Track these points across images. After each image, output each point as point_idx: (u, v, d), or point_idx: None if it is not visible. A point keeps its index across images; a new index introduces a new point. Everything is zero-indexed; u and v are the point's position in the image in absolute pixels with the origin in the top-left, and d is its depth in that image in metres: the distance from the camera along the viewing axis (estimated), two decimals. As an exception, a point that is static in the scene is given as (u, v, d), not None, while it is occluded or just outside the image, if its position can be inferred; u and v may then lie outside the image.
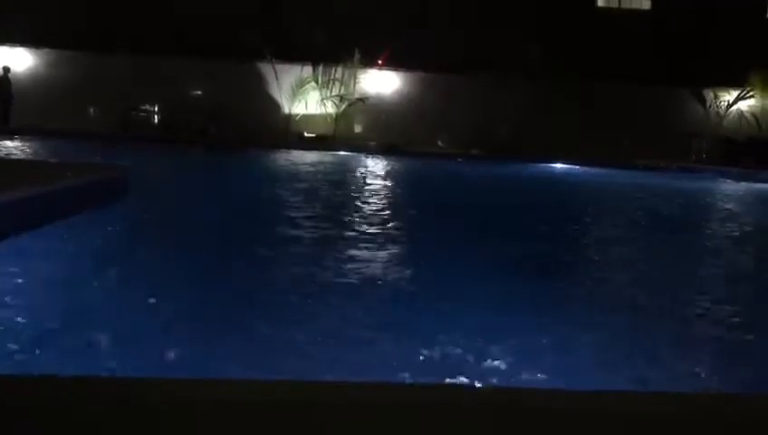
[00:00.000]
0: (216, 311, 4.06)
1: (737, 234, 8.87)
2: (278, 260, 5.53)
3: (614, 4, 20.02)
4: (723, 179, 15.75)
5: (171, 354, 3.27)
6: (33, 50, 19.04)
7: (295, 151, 17.13)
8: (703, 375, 3.60)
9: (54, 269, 4.74)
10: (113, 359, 3.23)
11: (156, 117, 18.86)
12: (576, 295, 4.99)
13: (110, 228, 6.31)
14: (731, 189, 14.67)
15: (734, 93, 19.23)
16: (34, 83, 18.76)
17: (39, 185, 5.82)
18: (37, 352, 3.27)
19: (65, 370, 2.92)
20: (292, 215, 7.66)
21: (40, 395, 1.84)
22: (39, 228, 5.30)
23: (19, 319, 3.65)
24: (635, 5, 19.94)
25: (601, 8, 20.00)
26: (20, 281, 4.37)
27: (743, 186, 14.99)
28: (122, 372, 2.99)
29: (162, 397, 1.87)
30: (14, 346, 3.28)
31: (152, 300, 4.05)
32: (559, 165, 17.08)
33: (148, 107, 18.83)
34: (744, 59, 18.38)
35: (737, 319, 4.70)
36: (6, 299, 3.97)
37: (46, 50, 19.00)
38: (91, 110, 18.47)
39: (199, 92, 18.93)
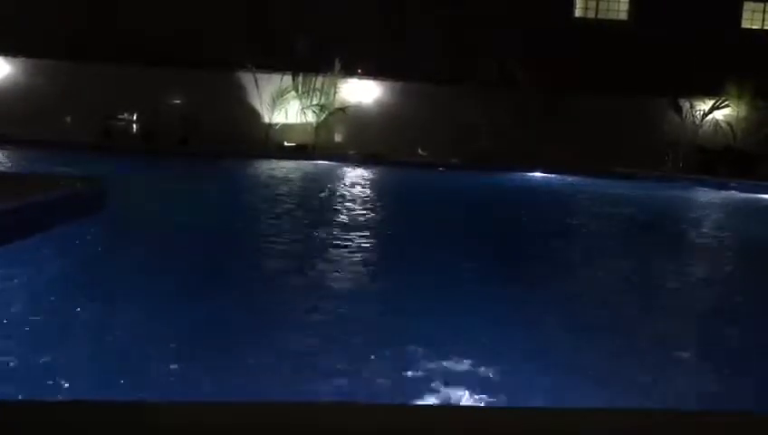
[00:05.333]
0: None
1: (709, 240, 9.00)
2: (256, 283, 5.30)
3: (591, 15, 20.23)
4: (699, 188, 15.95)
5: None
6: (11, 59, 18.88)
7: (275, 161, 17.12)
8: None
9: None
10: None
11: (135, 126, 18.75)
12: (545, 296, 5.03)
13: (62, 254, 5.58)
14: (706, 198, 14.86)
15: (710, 103, 19.48)
16: (10, 93, 18.60)
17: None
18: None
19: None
20: (272, 231, 7.63)
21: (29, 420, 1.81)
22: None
23: None
24: (611, 16, 20.17)
25: (578, 19, 20.20)
26: None
27: (718, 194, 15.18)
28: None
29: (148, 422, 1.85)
30: None
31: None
32: (537, 174, 17.22)
33: (127, 116, 18.71)
34: (720, 69, 18.64)
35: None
36: None
37: (23, 59, 18.85)
38: (69, 119, 18.32)
39: (179, 101, 18.86)
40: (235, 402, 2.41)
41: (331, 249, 6.52)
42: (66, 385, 3.13)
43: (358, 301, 4.90)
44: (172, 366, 3.40)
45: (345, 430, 1.94)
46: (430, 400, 3.10)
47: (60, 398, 2.89)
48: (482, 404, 3.13)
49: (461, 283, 5.52)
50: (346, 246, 6.58)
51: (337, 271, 5.67)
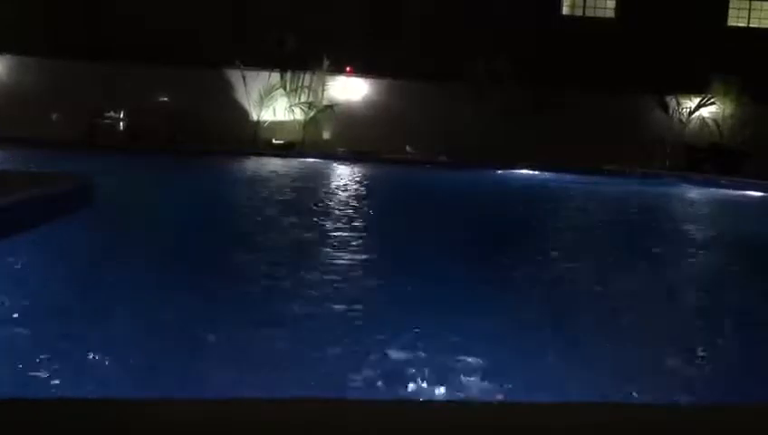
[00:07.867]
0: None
1: (695, 236, 9.07)
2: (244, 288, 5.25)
3: (578, 13, 20.30)
4: (685, 185, 16.05)
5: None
6: (-4, 57, 18.73)
7: (264, 158, 17.08)
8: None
9: None
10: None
11: (122, 124, 18.61)
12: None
13: (42, 252, 5.54)
14: (692, 195, 14.97)
15: (696, 100, 19.57)
16: (-4, 90, 18.47)
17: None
18: None
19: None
20: (262, 232, 7.61)
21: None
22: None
23: None
24: (599, 14, 20.24)
25: (566, 16, 20.26)
26: None
27: (704, 191, 15.29)
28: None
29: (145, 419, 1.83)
30: None
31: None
32: (525, 171, 17.27)
33: (113, 114, 18.56)
34: (706, 66, 18.74)
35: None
36: None
37: (7, 56, 18.68)
38: (55, 117, 18.16)
39: (166, 99, 18.75)
40: (234, 401, 2.40)
41: (324, 240, 6.54)
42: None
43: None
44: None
45: (345, 428, 1.94)
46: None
47: (59, 398, 2.87)
48: (485, 400, 3.14)
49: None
50: (336, 238, 6.61)
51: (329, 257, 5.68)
